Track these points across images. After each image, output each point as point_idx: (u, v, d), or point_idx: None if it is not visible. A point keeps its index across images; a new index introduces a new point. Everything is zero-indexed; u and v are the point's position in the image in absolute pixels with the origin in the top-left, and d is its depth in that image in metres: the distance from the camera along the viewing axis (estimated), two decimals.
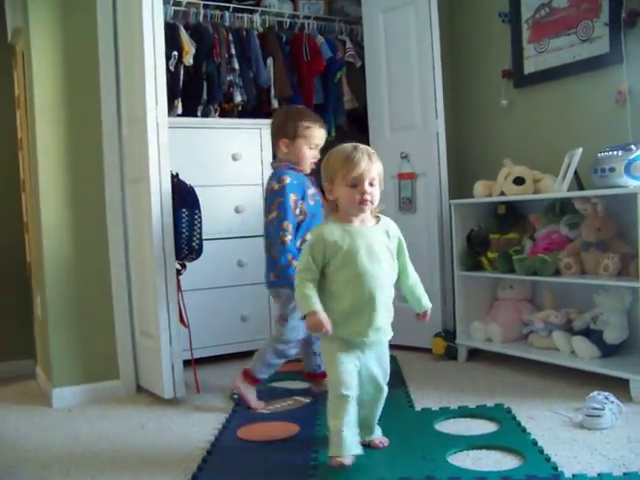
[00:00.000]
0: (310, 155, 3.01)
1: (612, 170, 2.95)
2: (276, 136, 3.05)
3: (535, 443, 2.36)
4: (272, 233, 2.92)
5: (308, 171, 3.04)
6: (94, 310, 3.35)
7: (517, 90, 3.91)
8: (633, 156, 2.93)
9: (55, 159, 3.27)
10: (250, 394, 3.00)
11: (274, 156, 3.37)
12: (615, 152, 2.99)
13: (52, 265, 3.26)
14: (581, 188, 3.26)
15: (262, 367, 3.01)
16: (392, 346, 4.01)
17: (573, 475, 2.09)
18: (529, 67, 3.82)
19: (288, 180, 2.91)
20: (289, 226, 2.86)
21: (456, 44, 4.31)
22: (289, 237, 2.85)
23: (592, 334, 3.14)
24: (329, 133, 4.52)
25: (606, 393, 2.60)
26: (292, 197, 2.89)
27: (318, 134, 3.03)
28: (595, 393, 2.60)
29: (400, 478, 2.14)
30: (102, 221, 3.38)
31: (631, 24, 3.25)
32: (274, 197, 2.92)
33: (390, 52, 4.12)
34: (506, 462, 2.25)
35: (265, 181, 4.03)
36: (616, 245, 3.13)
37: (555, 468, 2.13)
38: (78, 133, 3.32)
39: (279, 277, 2.91)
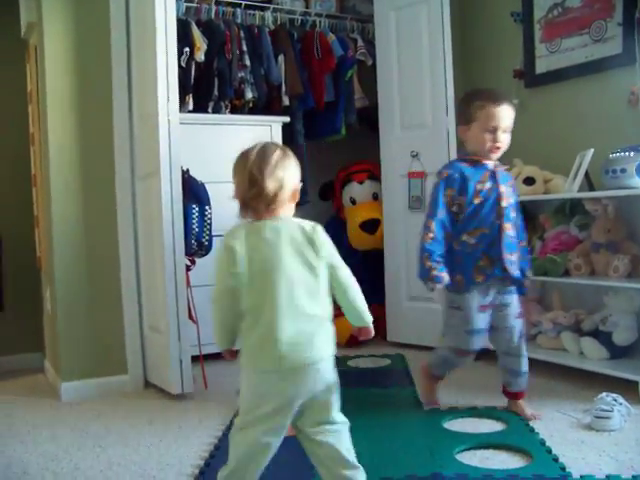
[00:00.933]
0: (488, 140, 2.62)
1: (623, 171, 2.94)
2: (457, 124, 2.87)
3: (543, 443, 2.36)
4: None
5: (492, 159, 2.69)
6: (103, 305, 3.36)
7: (528, 90, 3.90)
8: None
9: (66, 154, 3.28)
10: (424, 388, 2.95)
11: None
12: (627, 153, 2.97)
13: (62, 259, 3.27)
14: (592, 189, 3.25)
15: (436, 362, 2.88)
16: (399, 344, 4.06)
17: (581, 476, 2.09)
18: (541, 67, 3.81)
19: (445, 174, 2.68)
20: (432, 224, 2.59)
21: (468, 43, 4.30)
22: (430, 235, 2.58)
23: (601, 335, 3.13)
24: (338, 131, 4.54)
25: (615, 395, 2.59)
26: (447, 192, 2.64)
27: (496, 113, 2.62)
28: (604, 394, 2.59)
29: (407, 475, 2.15)
30: (112, 216, 3.39)
31: None
32: (432, 192, 2.73)
33: (401, 50, 4.11)
34: (513, 461, 2.25)
35: None
36: (626, 246, 3.12)
37: (563, 468, 2.13)
38: (89, 128, 3.34)
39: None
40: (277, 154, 1.98)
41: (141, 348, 3.45)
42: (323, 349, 1.92)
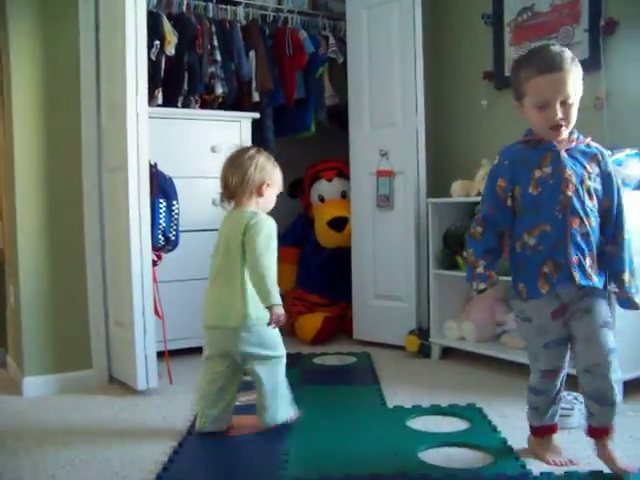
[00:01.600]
0: (542, 118, 2.14)
1: None
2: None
3: (505, 442, 2.39)
4: None
5: (555, 138, 2.17)
6: (68, 299, 3.33)
7: (498, 91, 3.94)
8: None
9: (32, 146, 3.24)
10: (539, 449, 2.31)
11: None
12: None
13: (26, 253, 3.23)
14: None
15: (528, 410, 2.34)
16: (365, 342, 4.07)
17: (541, 473, 2.12)
18: (510, 69, 3.84)
19: (496, 161, 2.27)
20: (479, 218, 2.24)
21: (438, 43, 4.32)
22: (478, 230, 2.22)
23: None
24: (308, 128, 4.54)
25: (575, 393, 2.63)
26: (499, 182, 2.20)
27: (545, 83, 2.10)
28: (565, 393, 2.62)
29: (371, 474, 2.15)
30: (79, 209, 3.35)
31: (609, 32, 3.29)
32: None
33: (372, 49, 4.12)
34: (476, 460, 2.27)
35: None
36: None
37: (523, 466, 2.16)
38: (56, 120, 3.30)
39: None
40: (248, 154, 2.60)
41: (106, 343, 3.42)
42: (232, 316, 2.49)
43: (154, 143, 3.29)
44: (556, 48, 2.16)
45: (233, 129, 4.03)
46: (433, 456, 2.31)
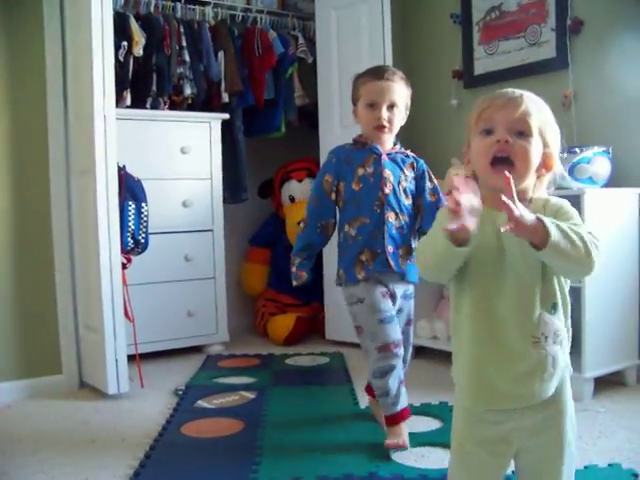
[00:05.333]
0: (370, 116, 2.43)
1: None
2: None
3: None
4: None
5: (380, 138, 2.46)
6: (37, 303, 3.28)
7: (467, 90, 3.96)
8: (577, 159, 2.99)
9: None
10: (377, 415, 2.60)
11: None
12: (560, 155, 3.04)
13: None
14: None
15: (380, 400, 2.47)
16: (338, 343, 4.08)
17: (512, 472, 2.12)
18: (479, 68, 3.87)
19: (327, 158, 2.53)
20: (304, 215, 2.52)
21: (408, 43, 4.34)
22: (301, 226, 2.52)
23: None
24: (278, 128, 4.53)
25: None
26: (326, 178, 2.47)
27: (376, 87, 2.43)
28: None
29: (344, 475, 2.15)
30: (46, 212, 3.31)
31: (576, 31, 3.33)
32: None
33: (342, 49, 4.12)
34: (449, 460, 2.27)
35: (214, 175, 4.04)
36: None
37: None
38: (22, 122, 3.25)
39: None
40: None
41: (76, 347, 3.38)
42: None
43: (122, 145, 3.26)
44: (391, 67, 2.64)
45: (202, 130, 4.01)
46: (406, 456, 2.32)
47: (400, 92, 2.45)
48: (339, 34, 4.13)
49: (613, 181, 3.08)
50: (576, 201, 2.86)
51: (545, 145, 1.42)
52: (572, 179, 2.98)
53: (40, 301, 3.30)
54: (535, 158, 1.39)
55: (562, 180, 2.98)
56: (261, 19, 4.55)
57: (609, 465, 2.15)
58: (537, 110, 1.43)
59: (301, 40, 4.59)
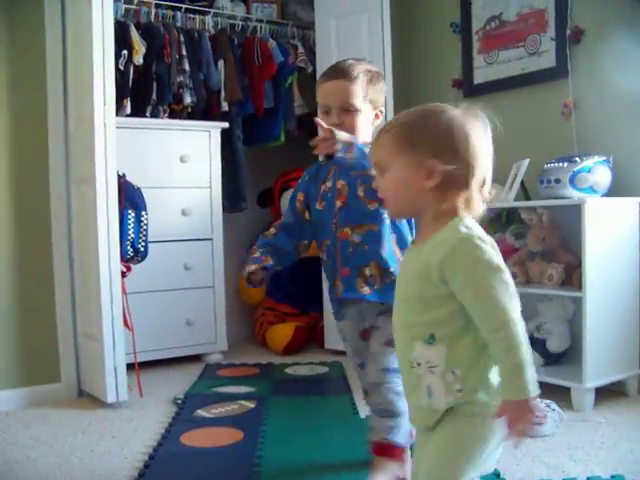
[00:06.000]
0: (327, 124, 2.08)
1: (558, 181, 3.01)
2: None
3: None
4: None
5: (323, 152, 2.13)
6: (36, 312, 3.27)
7: (467, 100, 3.96)
8: (578, 168, 2.99)
9: None
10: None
11: None
12: (561, 164, 3.04)
13: None
14: (527, 198, 3.31)
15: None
16: (337, 352, 4.06)
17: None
18: (479, 77, 3.87)
19: (302, 176, 2.30)
20: (278, 222, 2.26)
21: (407, 52, 4.34)
22: (272, 231, 2.21)
23: (536, 342, 3.17)
24: (277, 138, 4.52)
25: (548, 401, 2.64)
26: (299, 197, 2.23)
27: (327, 89, 2.12)
28: (537, 400, 2.63)
29: None
30: (46, 220, 3.30)
31: (576, 40, 3.32)
32: None
33: (341, 58, 4.09)
34: None
35: (213, 184, 4.03)
36: (560, 255, 3.18)
37: (497, 475, 2.15)
38: (23, 131, 3.24)
39: None
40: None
41: (75, 355, 3.37)
42: None
43: (122, 153, 3.25)
44: (350, 61, 2.17)
45: (202, 139, 4.01)
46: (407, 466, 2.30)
47: (358, 91, 2.08)
48: (339, 43, 4.13)
49: (614, 190, 3.07)
50: (576, 211, 2.86)
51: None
52: (572, 189, 2.98)
53: (39, 309, 3.28)
54: None
55: (563, 189, 2.97)
56: (261, 28, 4.56)
57: (612, 477, 2.14)
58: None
59: (301, 49, 4.60)
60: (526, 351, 1.27)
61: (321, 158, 2.19)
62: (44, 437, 2.73)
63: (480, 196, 1.42)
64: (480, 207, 1.42)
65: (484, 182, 1.44)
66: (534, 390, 1.27)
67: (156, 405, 3.13)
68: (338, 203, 2.07)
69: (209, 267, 4.03)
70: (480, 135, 1.45)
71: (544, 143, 3.46)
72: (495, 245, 1.36)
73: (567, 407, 2.80)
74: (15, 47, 3.22)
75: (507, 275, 1.31)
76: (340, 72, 2.11)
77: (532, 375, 1.27)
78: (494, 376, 1.35)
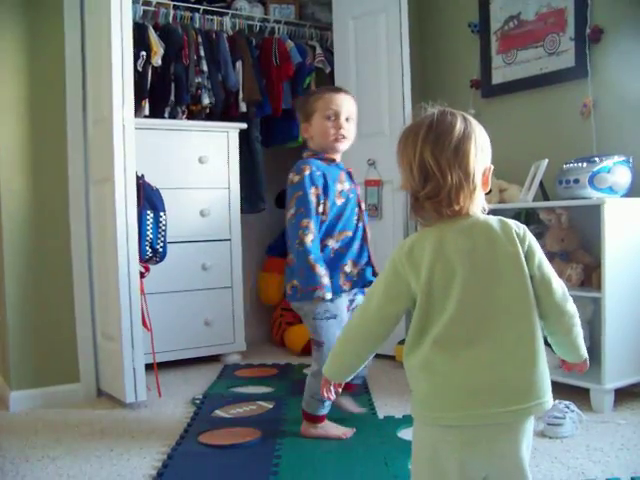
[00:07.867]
0: (331, 127, 2.52)
1: (576, 182, 2.99)
2: (300, 125, 2.66)
3: None
4: (290, 234, 2.55)
5: (338, 151, 2.59)
6: (55, 313, 3.30)
7: (485, 100, 3.94)
8: (597, 168, 2.96)
9: (17, 157, 3.21)
10: (324, 430, 2.60)
11: None
12: (580, 164, 3.02)
13: (12, 265, 3.20)
14: (546, 199, 3.29)
15: (315, 402, 2.56)
16: None
17: None
18: (497, 78, 3.85)
19: (308, 171, 2.49)
20: (310, 224, 2.45)
21: (425, 52, 4.33)
22: (310, 237, 2.44)
23: None
24: (296, 138, 4.53)
25: (567, 402, 2.62)
26: (313, 191, 2.48)
27: (336, 99, 2.54)
28: (556, 402, 2.62)
29: None
30: (65, 222, 3.33)
31: (595, 40, 3.30)
32: (292, 191, 2.53)
33: (359, 59, 4.12)
34: None
35: (232, 185, 4.05)
36: (579, 255, 3.16)
37: None
38: (42, 132, 3.27)
39: (294, 288, 2.52)
40: (458, 128, 1.48)
41: (94, 356, 3.39)
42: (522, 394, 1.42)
43: (141, 154, 3.27)
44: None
45: (220, 140, 4.02)
46: None
47: (354, 107, 2.60)
48: (357, 43, 4.13)
49: (634, 191, 3.05)
50: (595, 211, 2.84)
51: None
52: (591, 189, 2.96)
53: (58, 309, 3.31)
54: None
55: (582, 190, 2.95)
56: (279, 29, 4.56)
57: (632, 478, 2.12)
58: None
59: (319, 50, 4.60)
60: None
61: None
62: (63, 437, 2.75)
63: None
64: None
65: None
66: None
67: (175, 405, 3.14)
68: (363, 205, 2.61)
69: (227, 268, 4.04)
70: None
71: (563, 143, 3.44)
72: None
73: (586, 408, 2.78)
74: (34, 48, 3.24)
75: None
76: (345, 90, 2.63)
77: None
78: None
